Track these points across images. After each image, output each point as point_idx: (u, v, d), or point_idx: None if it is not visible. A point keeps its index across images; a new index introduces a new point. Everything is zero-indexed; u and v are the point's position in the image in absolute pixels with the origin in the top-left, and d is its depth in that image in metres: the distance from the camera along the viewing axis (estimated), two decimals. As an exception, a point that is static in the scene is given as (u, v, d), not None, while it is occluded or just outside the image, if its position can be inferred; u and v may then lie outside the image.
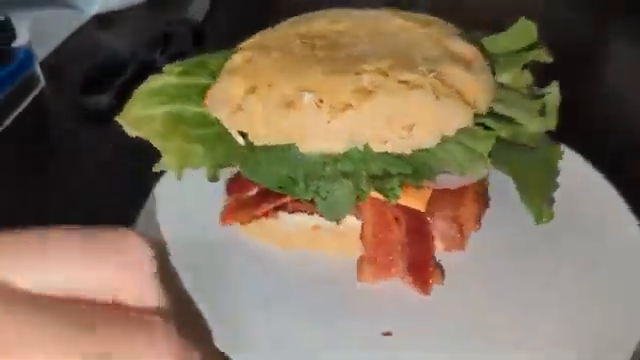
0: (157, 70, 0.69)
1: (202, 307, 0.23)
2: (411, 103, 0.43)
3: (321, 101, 0.43)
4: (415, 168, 0.45)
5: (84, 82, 0.73)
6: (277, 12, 0.54)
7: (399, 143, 0.43)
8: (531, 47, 0.52)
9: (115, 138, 0.65)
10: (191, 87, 0.52)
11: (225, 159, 0.50)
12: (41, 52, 0.80)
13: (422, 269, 0.45)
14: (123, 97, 0.69)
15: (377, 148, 0.43)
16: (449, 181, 0.47)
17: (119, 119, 0.51)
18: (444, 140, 0.44)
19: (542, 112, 0.48)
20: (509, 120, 0.47)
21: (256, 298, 0.46)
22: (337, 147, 0.43)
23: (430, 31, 0.50)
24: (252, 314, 0.45)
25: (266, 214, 0.50)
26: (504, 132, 0.46)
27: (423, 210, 0.47)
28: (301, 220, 0.49)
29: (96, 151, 0.68)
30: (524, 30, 0.54)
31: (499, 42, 0.54)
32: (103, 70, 0.75)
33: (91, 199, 0.59)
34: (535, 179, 0.47)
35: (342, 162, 0.45)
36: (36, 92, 0.75)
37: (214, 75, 0.51)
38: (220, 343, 0.24)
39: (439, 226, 0.49)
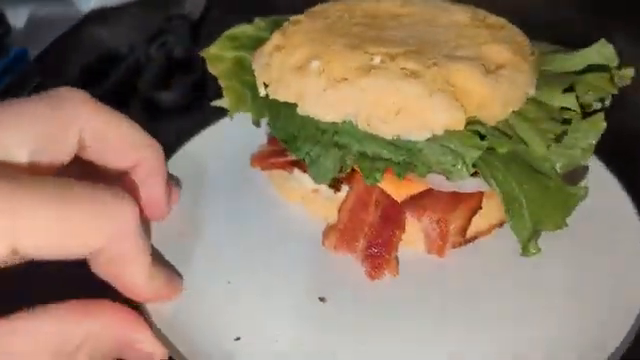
0: (154, 66, 0.72)
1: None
2: (402, 89, 0.43)
3: (323, 70, 0.46)
4: (406, 159, 0.45)
5: (80, 77, 0.74)
6: (274, 8, 0.55)
7: (382, 126, 0.44)
8: (594, 70, 0.47)
9: None
10: (260, 40, 0.58)
11: (262, 107, 0.55)
12: (37, 47, 0.81)
13: (378, 255, 0.46)
14: (120, 92, 0.73)
15: (362, 126, 0.45)
16: (440, 183, 0.46)
17: (202, 53, 0.59)
18: (433, 138, 0.44)
19: (558, 139, 0.43)
20: (517, 138, 0.44)
21: (230, 232, 0.51)
22: (329, 116, 0.46)
23: (482, 31, 0.49)
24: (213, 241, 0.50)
25: (282, 166, 0.54)
26: (503, 147, 0.43)
27: (398, 201, 0.47)
28: (306, 180, 0.53)
29: None
30: (601, 52, 0.49)
31: (571, 60, 0.50)
32: (99, 65, 0.76)
33: None
34: (534, 209, 0.44)
35: (339, 134, 0.47)
36: (31, 87, 0.75)
37: (281, 33, 0.56)
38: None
39: (424, 225, 0.48)
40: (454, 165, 0.43)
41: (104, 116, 0.42)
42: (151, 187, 0.44)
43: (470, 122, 0.43)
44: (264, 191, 0.56)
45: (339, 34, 0.48)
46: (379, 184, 0.47)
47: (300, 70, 0.47)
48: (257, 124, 0.57)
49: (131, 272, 0.38)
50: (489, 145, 0.43)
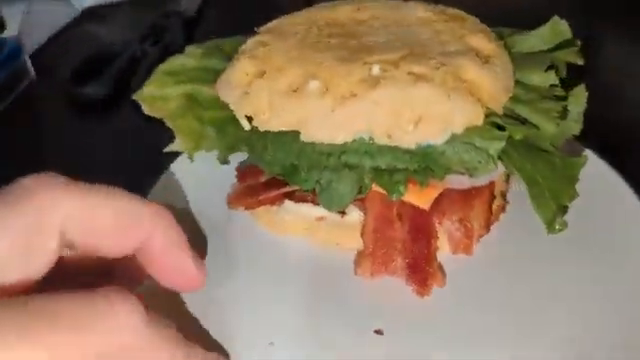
0: (148, 62, 0.70)
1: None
2: (418, 96, 0.41)
3: (326, 89, 0.42)
4: (422, 165, 0.43)
5: (75, 73, 0.73)
6: (270, 5, 0.53)
7: (404, 137, 0.42)
8: (561, 47, 0.50)
9: (106, 129, 0.68)
10: (207, 70, 0.52)
11: (235, 143, 0.50)
12: (31, 44, 0.80)
13: (421, 269, 0.44)
14: (113, 89, 0.71)
15: (381, 141, 0.42)
16: (459, 181, 0.45)
17: (135, 97, 0.52)
18: (453, 138, 0.43)
19: (563, 116, 0.45)
20: (525, 122, 0.45)
21: (251, 286, 0.46)
22: (340, 137, 0.42)
23: (453, 25, 0.48)
24: (244, 303, 0.44)
25: (272, 201, 0.49)
26: (518, 134, 0.43)
27: (427, 209, 0.45)
28: (306, 210, 0.49)
29: (86, 142, 0.67)
30: (555, 29, 0.51)
31: (528, 40, 0.52)
32: (94, 62, 0.74)
33: None
34: (551, 186, 0.45)
35: (347, 153, 0.44)
36: (25, 84, 0.75)
37: (230, 58, 0.51)
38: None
39: (446, 227, 0.47)
40: (480, 161, 0.43)
41: (88, 201, 0.31)
42: (174, 257, 0.36)
43: (487, 115, 0.43)
44: (250, 231, 0.50)
45: (320, 49, 0.45)
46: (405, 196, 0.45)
47: (296, 94, 0.43)
48: (225, 162, 0.51)
49: None
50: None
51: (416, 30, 0.48)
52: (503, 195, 0.52)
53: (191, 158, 0.52)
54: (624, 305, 0.43)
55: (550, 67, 0.48)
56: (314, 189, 0.44)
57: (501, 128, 0.43)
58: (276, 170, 0.46)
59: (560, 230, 0.45)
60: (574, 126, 0.47)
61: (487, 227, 0.47)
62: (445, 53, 0.44)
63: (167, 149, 0.52)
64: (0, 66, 0.71)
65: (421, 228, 0.45)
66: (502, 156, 0.44)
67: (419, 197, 0.45)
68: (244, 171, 0.52)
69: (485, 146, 0.43)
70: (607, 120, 0.51)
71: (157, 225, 0.34)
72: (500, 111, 0.44)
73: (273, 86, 0.44)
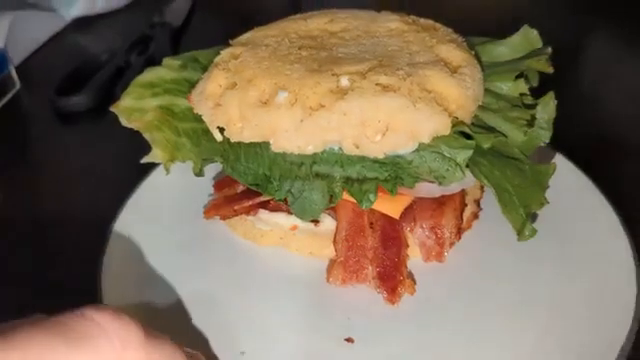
0: (133, 72, 0.70)
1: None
2: (385, 106, 0.42)
3: (295, 100, 0.43)
4: (392, 174, 0.44)
5: (60, 84, 0.73)
6: (254, 17, 0.53)
7: (372, 147, 0.42)
8: (531, 55, 0.51)
9: (91, 139, 0.68)
10: (184, 81, 0.53)
11: (209, 154, 0.50)
12: (18, 55, 0.80)
13: (391, 277, 0.44)
14: (99, 98, 0.72)
15: (349, 151, 0.43)
16: (429, 190, 0.46)
17: (113, 109, 0.52)
18: (421, 147, 0.43)
19: (531, 124, 0.45)
20: (493, 130, 0.45)
21: (225, 295, 0.46)
22: (309, 148, 0.43)
23: (424, 35, 0.49)
24: (216, 313, 0.45)
25: (247, 211, 0.50)
26: (486, 142, 0.44)
27: (397, 217, 0.46)
28: (280, 219, 0.49)
29: (71, 153, 0.67)
30: (526, 38, 0.52)
31: (499, 49, 0.52)
32: (79, 72, 0.75)
33: (67, 198, 0.58)
34: (520, 193, 0.45)
35: (318, 163, 0.44)
36: (11, 95, 0.75)
37: (206, 70, 0.51)
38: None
39: (418, 235, 0.47)
40: (448, 170, 0.43)
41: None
42: None
43: (453, 124, 0.43)
44: (225, 241, 0.51)
45: (291, 60, 0.46)
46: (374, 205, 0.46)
47: (266, 105, 0.43)
48: (200, 174, 0.52)
49: None
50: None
51: (386, 41, 0.48)
52: (477, 203, 0.53)
53: (167, 169, 0.52)
54: (597, 308, 0.43)
55: (519, 75, 0.48)
56: (286, 199, 0.45)
57: (469, 137, 0.44)
58: (249, 180, 0.46)
59: (530, 236, 0.45)
60: (544, 134, 0.48)
61: (458, 234, 0.48)
62: (413, 64, 0.45)
63: (143, 160, 0.52)
64: (-15, 77, 0.70)
65: (392, 236, 0.46)
66: (470, 164, 0.44)
67: (389, 206, 0.46)
68: (220, 182, 0.53)
69: (453, 155, 0.43)
70: (585, 118, 0.51)
71: None
72: (469, 120, 0.45)
73: (243, 98, 0.44)
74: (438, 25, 0.52)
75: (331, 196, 0.44)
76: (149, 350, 0.30)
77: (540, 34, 0.51)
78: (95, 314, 0.28)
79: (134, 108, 0.52)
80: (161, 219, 0.52)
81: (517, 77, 0.48)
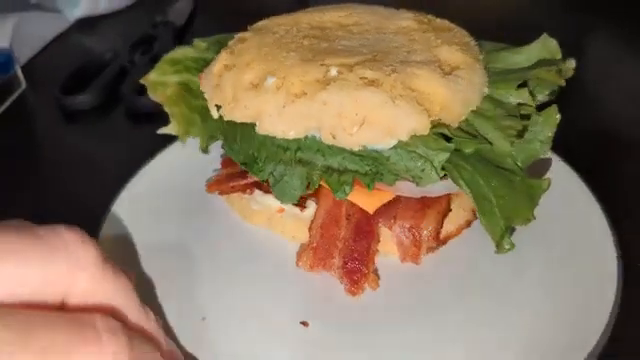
0: (137, 71, 0.70)
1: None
2: (364, 100, 0.42)
3: (281, 86, 0.44)
4: (372, 169, 0.44)
5: (65, 83, 0.74)
6: (258, 15, 0.54)
7: (347, 138, 0.43)
8: (544, 64, 0.49)
9: (96, 138, 0.69)
10: (202, 61, 0.56)
11: (213, 131, 0.53)
12: (23, 55, 0.81)
13: (356, 270, 0.45)
14: (103, 97, 0.73)
15: (327, 140, 0.44)
16: (410, 190, 0.46)
17: (142, 81, 0.57)
18: (400, 145, 0.43)
19: (520, 134, 0.44)
20: (480, 137, 0.44)
21: (201, 262, 0.49)
22: (291, 133, 0.44)
23: (430, 35, 0.49)
24: (182, 280, 0.47)
25: (243, 189, 0.52)
26: (469, 147, 0.43)
27: (370, 212, 0.46)
28: (270, 201, 0.51)
29: (77, 151, 0.67)
30: (545, 47, 0.50)
31: (515, 57, 0.51)
32: (84, 72, 0.76)
33: (73, 196, 0.57)
34: (504, 205, 0.44)
35: (302, 150, 0.46)
36: (17, 94, 0.75)
37: (222, 52, 0.54)
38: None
39: (396, 233, 0.47)
40: (423, 170, 0.43)
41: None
42: None
43: (434, 125, 0.43)
44: (225, 216, 0.53)
45: (290, 48, 0.47)
46: (350, 197, 0.46)
47: (256, 88, 0.45)
48: (205, 150, 0.55)
49: None
50: (455, 146, 0.43)
51: (391, 38, 0.49)
52: (474, 212, 0.51)
53: (182, 141, 0.56)
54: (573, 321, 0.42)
55: (522, 84, 0.46)
56: (268, 180, 0.47)
57: (449, 139, 0.43)
58: (240, 159, 0.49)
59: (509, 250, 0.44)
60: (540, 147, 0.46)
61: (436, 239, 0.47)
62: (405, 61, 0.45)
63: (160, 131, 0.56)
64: (-8, 77, 0.71)
65: (364, 230, 0.46)
66: (451, 168, 0.44)
67: (366, 200, 0.46)
68: (227, 159, 0.56)
69: (429, 156, 0.43)
70: (585, 118, 0.49)
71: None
72: (454, 123, 0.44)
73: (238, 80, 0.46)
74: (453, 26, 0.51)
75: (309, 183, 0.45)
76: (104, 275, 0.31)
77: (540, 33, 0.49)
78: (65, 232, 0.31)
79: (159, 82, 0.56)
80: (167, 192, 0.55)
81: (521, 86, 0.47)
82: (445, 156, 0.43)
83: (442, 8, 0.55)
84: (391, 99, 0.42)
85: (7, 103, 0.74)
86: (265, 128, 0.45)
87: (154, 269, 0.47)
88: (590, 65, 0.51)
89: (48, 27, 0.88)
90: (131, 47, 0.80)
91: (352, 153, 0.44)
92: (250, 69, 0.46)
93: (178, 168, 0.57)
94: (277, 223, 0.51)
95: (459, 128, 0.44)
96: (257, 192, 0.52)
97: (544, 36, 0.50)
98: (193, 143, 0.56)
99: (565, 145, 0.50)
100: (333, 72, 0.44)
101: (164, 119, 0.55)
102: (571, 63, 0.51)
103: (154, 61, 0.53)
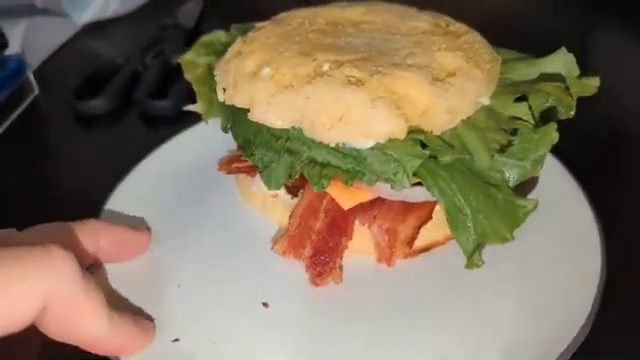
0: (149, 75, 0.72)
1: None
2: (344, 98, 0.43)
3: (272, 76, 0.46)
4: (355, 167, 0.45)
5: (78, 87, 0.74)
6: (269, 16, 0.54)
7: (324, 133, 0.44)
8: (552, 79, 0.46)
9: (110, 143, 0.68)
10: (230, 45, 0.59)
11: (227, 113, 0.56)
12: (34, 60, 0.80)
13: (323, 262, 0.46)
14: (117, 101, 0.73)
15: (307, 133, 0.45)
16: (389, 192, 0.46)
17: (178, 60, 0.61)
18: (376, 147, 0.43)
19: (503, 149, 0.42)
20: (461, 147, 0.43)
21: (183, 232, 0.52)
22: (278, 122, 0.46)
23: (437, 39, 0.48)
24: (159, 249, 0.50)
25: (247, 171, 0.55)
26: (444, 157, 0.42)
27: (345, 208, 0.47)
28: (267, 185, 0.53)
29: (90, 157, 0.67)
30: (562, 62, 0.47)
31: (530, 70, 0.48)
32: (97, 76, 0.76)
33: (89, 202, 0.55)
34: (480, 221, 0.43)
35: (291, 140, 0.47)
36: (29, 100, 0.75)
37: (247, 39, 0.56)
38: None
39: (374, 233, 0.48)
40: (395, 174, 0.43)
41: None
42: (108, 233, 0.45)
43: (413, 131, 0.43)
44: (229, 195, 0.56)
45: (295, 41, 0.49)
46: (330, 192, 0.47)
47: (253, 76, 0.47)
48: (225, 129, 0.58)
49: (86, 326, 0.36)
50: (432, 154, 0.42)
51: (398, 39, 0.48)
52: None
53: (205, 120, 0.60)
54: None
55: (520, 98, 0.44)
56: (257, 165, 0.49)
57: (425, 146, 0.43)
58: (239, 141, 0.51)
59: (478, 267, 0.43)
60: (532, 167, 0.44)
61: (410, 245, 0.47)
62: (398, 64, 0.45)
63: (186, 108, 0.60)
64: (4, 83, 0.71)
65: (338, 225, 0.47)
66: (424, 175, 0.43)
67: (343, 196, 0.47)
68: (241, 141, 0.58)
69: (402, 160, 0.43)
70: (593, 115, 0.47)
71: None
72: (437, 131, 0.43)
73: (240, 66, 0.49)
74: (469, 31, 0.50)
75: (291, 173, 0.47)
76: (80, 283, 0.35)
77: (546, 32, 0.46)
78: (48, 248, 0.34)
79: (192, 62, 0.60)
80: (180, 171, 0.59)
81: (521, 99, 0.45)
82: (417, 162, 0.42)
83: (446, 8, 0.53)
84: (370, 100, 0.42)
85: (20, 109, 0.74)
86: (256, 115, 0.47)
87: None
88: (595, 61, 0.48)
89: (57, 32, 0.87)
90: (142, 51, 0.80)
91: (336, 149, 0.45)
92: (252, 57, 0.48)
93: (190, 151, 0.61)
94: (269, 207, 0.53)
95: (439, 137, 0.43)
96: (259, 175, 0.54)
97: (562, 49, 0.47)
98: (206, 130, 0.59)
99: (567, 148, 0.48)
100: (325, 67, 0.45)
101: (178, 122, 0.57)
102: (595, 81, 0.48)
103: (166, 64, 0.56)
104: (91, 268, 0.46)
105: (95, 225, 0.45)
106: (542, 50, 0.48)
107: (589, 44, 0.68)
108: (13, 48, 0.78)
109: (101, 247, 0.45)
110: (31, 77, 0.76)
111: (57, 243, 0.35)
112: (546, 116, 0.46)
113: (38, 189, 0.62)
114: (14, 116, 0.73)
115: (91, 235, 0.44)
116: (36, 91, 0.77)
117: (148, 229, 0.51)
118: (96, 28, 0.91)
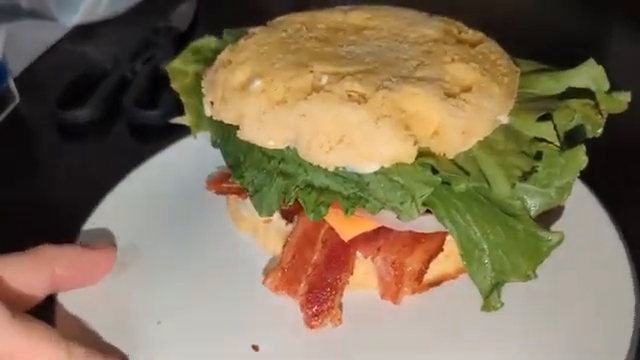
0: (138, 81, 0.67)
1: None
2: (344, 117, 0.38)
3: (264, 90, 0.41)
4: (356, 193, 0.40)
5: (62, 96, 0.69)
6: (264, 19, 0.50)
7: (322, 156, 0.39)
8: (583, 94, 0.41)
9: (95, 152, 0.63)
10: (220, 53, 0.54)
11: (216, 127, 0.51)
12: (17, 66, 0.74)
13: (320, 301, 0.41)
14: (104, 110, 0.67)
15: (302, 155, 0.40)
16: (395, 222, 0.40)
17: (166, 67, 0.55)
18: (381, 171, 0.38)
19: (525, 177, 0.37)
20: (478, 173, 0.38)
21: (174, 263, 0.47)
22: (270, 142, 0.41)
23: (450, 49, 0.43)
24: (143, 284, 0.45)
25: (237, 192, 0.50)
26: (459, 184, 0.37)
27: (345, 239, 0.42)
28: (259, 209, 0.48)
29: (75, 166, 0.63)
30: (589, 75, 0.42)
31: (553, 83, 0.43)
32: (83, 83, 0.70)
33: (73, 216, 0.51)
34: (498, 256, 0.38)
35: (286, 162, 0.42)
36: (10, 109, 0.70)
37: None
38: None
39: (378, 266, 0.43)
40: (402, 203, 0.38)
41: None
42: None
43: (424, 154, 0.37)
44: (217, 218, 0.51)
45: (290, 50, 0.43)
46: (329, 220, 0.42)
47: (243, 89, 0.42)
48: (215, 145, 0.53)
49: None
50: (444, 180, 0.37)
51: (405, 48, 0.43)
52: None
53: (193, 135, 0.55)
54: None
55: (545, 116, 0.39)
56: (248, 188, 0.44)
57: (436, 171, 0.37)
58: (228, 161, 0.46)
59: (495, 309, 0.38)
60: (556, 195, 0.39)
61: (419, 281, 0.41)
62: (406, 77, 0.39)
63: (173, 120, 0.55)
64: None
65: (338, 258, 0.42)
66: (436, 204, 0.38)
67: (344, 226, 0.42)
68: (232, 158, 0.53)
69: (411, 187, 0.37)
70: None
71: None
72: (450, 154, 0.38)
73: (229, 78, 0.44)
74: (484, 39, 0.45)
75: (284, 198, 0.42)
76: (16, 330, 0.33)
77: (557, 33, 0.41)
78: None
79: (180, 70, 0.55)
80: (167, 189, 0.54)
81: (545, 118, 0.39)
82: (428, 190, 0.37)
83: (452, 7, 0.48)
84: (374, 119, 0.37)
85: (0, 118, 0.69)
86: (246, 134, 0.42)
87: (128, 268, 0.46)
88: (610, 63, 0.43)
89: (42, 35, 0.81)
90: (131, 56, 0.75)
91: (335, 173, 0.40)
92: (242, 68, 0.43)
93: (177, 167, 0.56)
94: (261, 234, 0.48)
95: (454, 161, 0.38)
96: (249, 198, 0.49)
97: (590, 61, 0.42)
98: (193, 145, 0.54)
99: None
100: (324, 80, 0.40)
101: (168, 132, 0.53)
102: (626, 96, 0.42)
103: (156, 70, 0.51)
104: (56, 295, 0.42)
105: (48, 252, 0.40)
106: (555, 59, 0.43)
107: (609, 52, 0.63)
108: None
109: (57, 275, 0.40)
110: (12, 84, 0.71)
111: None
112: (569, 135, 0.41)
113: (19, 203, 0.58)
114: (-6, 125, 0.68)
115: (45, 264, 0.39)
116: (17, 99, 0.72)
117: (113, 245, 0.46)
118: (84, 31, 0.85)
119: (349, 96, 0.38)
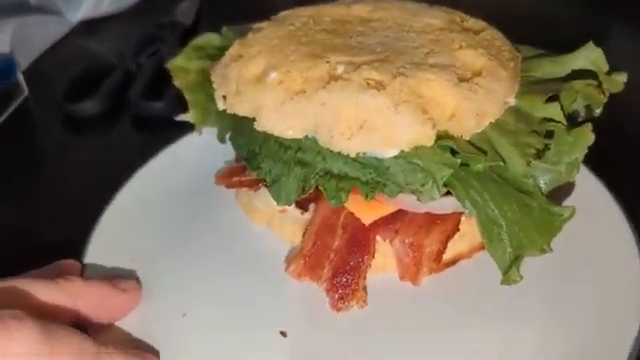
0: (143, 75, 0.67)
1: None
2: (364, 104, 0.39)
3: (281, 81, 0.42)
4: (374, 178, 0.41)
5: (68, 89, 0.70)
6: (269, 14, 0.50)
7: (344, 143, 0.40)
8: (585, 75, 0.43)
9: (102, 145, 0.64)
10: (226, 49, 0.54)
11: (225, 122, 0.51)
12: (24, 60, 0.75)
13: (344, 284, 0.42)
14: (110, 103, 0.68)
15: (323, 143, 0.41)
16: (413, 204, 0.42)
17: (167, 65, 0.56)
18: (401, 155, 0.40)
19: (539, 154, 0.39)
20: (494, 153, 0.39)
21: (192, 258, 0.47)
22: (289, 132, 0.42)
23: (456, 36, 0.44)
24: (167, 276, 0.46)
25: (249, 185, 0.50)
26: (477, 164, 0.39)
27: (366, 223, 0.43)
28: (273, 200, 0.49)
29: (82, 159, 0.63)
30: (588, 58, 0.44)
31: (554, 67, 0.45)
32: (89, 76, 0.71)
33: (80, 209, 0.51)
34: (516, 232, 0.40)
35: (303, 150, 0.43)
36: (19, 102, 0.71)
37: (244, 42, 0.52)
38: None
39: (396, 249, 0.44)
40: (424, 185, 0.39)
41: None
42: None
43: (441, 136, 0.39)
44: (228, 211, 0.52)
45: (301, 42, 0.44)
46: (348, 206, 0.43)
47: (258, 82, 0.43)
48: (222, 140, 0.53)
49: None
50: (463, 162, 0.39)
51: (413, 37, 0.44)
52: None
53: (199, 131, 0.55)
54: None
55: (552, 98, 0.41)
56: (265, 179, 0.44)
57: (455, 153, 0.39)
58: (242, 153, 0.47)
59: (514, 283, 0.39)
60: (566, 171, 0.41)
61: (437, 260, 0.43)
62: (419, 64, 0.41)
63: (178, 118, 0.55)
64: (-8, 83, 0.66)
65: (359, 242, 0.43)
66: (457, 185, 0.40)
67: (364, 210, 0.43)
68: (240, 152, 0.54)
69: (432, 169, 0.39)
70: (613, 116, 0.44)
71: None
72: (466, 135, 0.40)
73: (242, 72, 0.44)
74: (486, 27, 0.47)
75: (304, 187, 0.42)
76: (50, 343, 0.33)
77: (558, 32, 0.43)
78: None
79: (182, 67, 0.56)
80: (175, 185, 0.54)
81: (552, 99, 0.41)
82: (449, 171, 0.38)
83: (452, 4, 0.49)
84: (394, 105, 0.39)
85: (9, 111, 0.70)
86: (263, 125, 0.43)
87: (146, 264, 0.46)
88: (611, 56, 0.45)
89: (49, 31, 0.82)
90: (137, 50, 0.75)
91: (354, 159, 0.41)
92: (256, 61, 0.44)
93: (186, 161, 0.56)
94: (277, 224, 0.49)
95: (470, 142, 0.40)
96: (263, 189, 0.50)
97: (589, 44, 0.44)
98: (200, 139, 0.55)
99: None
100: (339, 70, 0.41)
101: (173, 125, 0.53)
102: (622, 77, 0.45)
103: (161, 64, 0.51)
104: None
105: (72, 287, 0.39)
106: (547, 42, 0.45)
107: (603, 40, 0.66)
108: (2, 48, 0.74)
109: (78, 308, 0.39)
110: (20, 78, 0.72)
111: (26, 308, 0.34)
112: (570, 116, 0.43)
113: (26, 196, 0.58)
114: (2, 119, 0.69)
115: (68, 297, 0.39)
116: (25, 92, 0.73)
117: (137, 280, 0.44)
118: (90, 26, 0.86)
119: (367, 84, 0.40)
